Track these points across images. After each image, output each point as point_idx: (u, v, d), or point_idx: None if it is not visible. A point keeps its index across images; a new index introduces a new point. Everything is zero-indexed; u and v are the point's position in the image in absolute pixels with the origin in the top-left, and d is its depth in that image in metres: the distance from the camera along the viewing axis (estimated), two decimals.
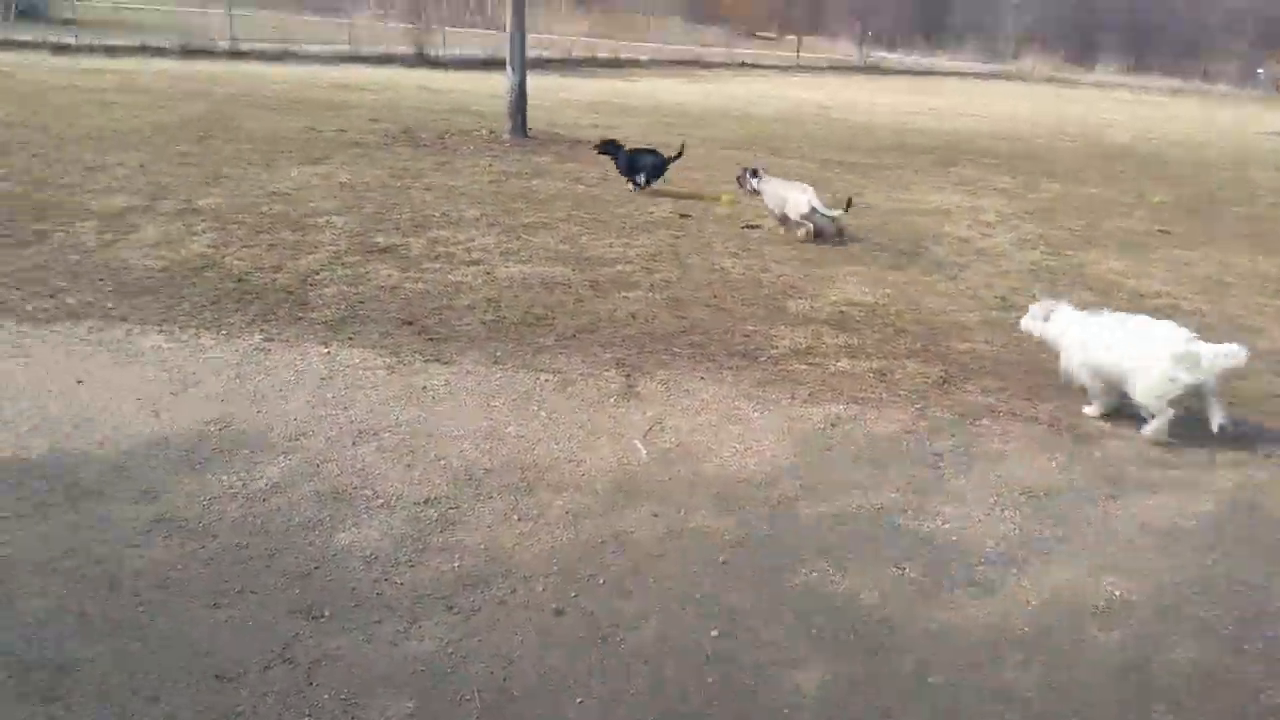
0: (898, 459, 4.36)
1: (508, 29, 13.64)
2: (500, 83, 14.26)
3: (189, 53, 21.72)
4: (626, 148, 10.47)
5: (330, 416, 4.34)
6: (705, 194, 10.35)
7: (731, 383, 5.08)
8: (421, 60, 25.40)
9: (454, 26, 31.41)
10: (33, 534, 3.27)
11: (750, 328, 5.96)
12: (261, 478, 3.74)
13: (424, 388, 4.73)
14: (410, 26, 26.71)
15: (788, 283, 7.06)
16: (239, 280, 6.16)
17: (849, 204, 8.45)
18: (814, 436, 4.53)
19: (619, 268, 7.14)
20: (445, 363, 5.07)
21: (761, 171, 9.13)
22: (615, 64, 31.59)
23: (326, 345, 5.19)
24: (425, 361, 5.06)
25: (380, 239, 7.43)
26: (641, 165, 10.26)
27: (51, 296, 5.54)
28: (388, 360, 5.05)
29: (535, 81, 14.98)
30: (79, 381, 4.48)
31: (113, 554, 3.19)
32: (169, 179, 8.88)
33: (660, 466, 4.10)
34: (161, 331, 5.18)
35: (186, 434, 4.06)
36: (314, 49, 24.20)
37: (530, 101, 13.91)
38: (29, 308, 5.34)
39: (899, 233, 9.12)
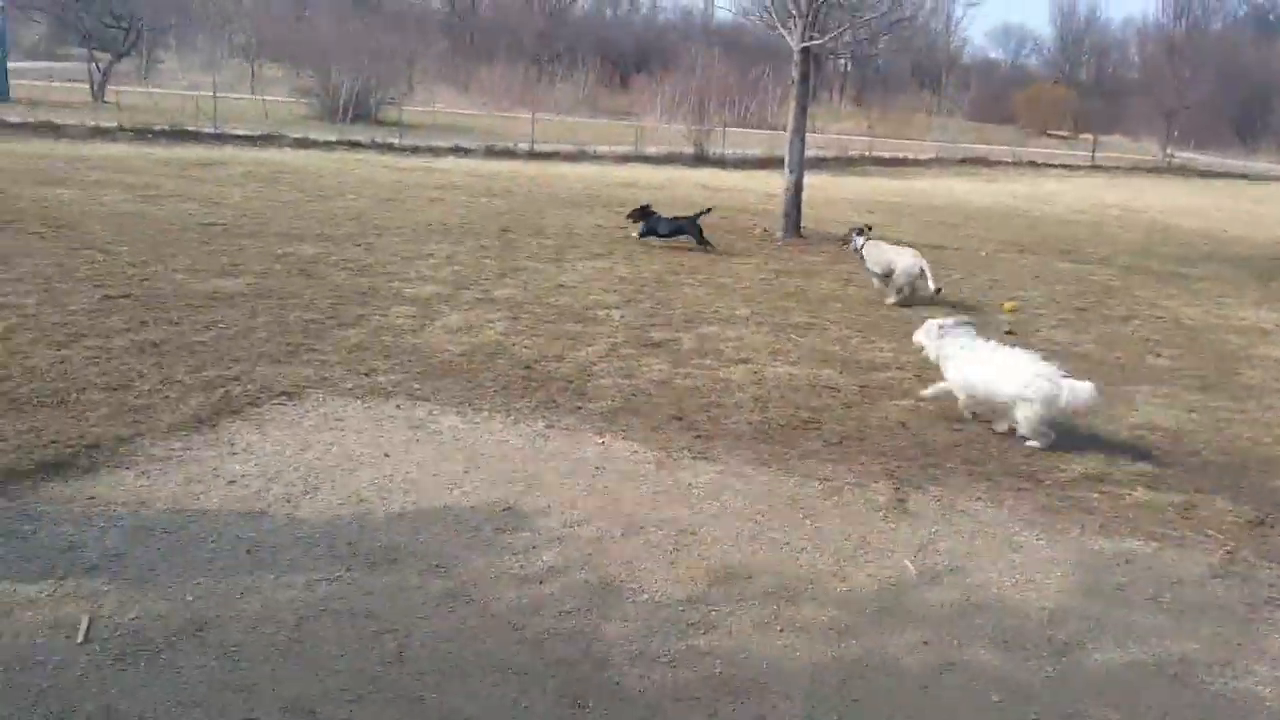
0: (1202, 606, 3.95)
1: (788, 130, 13.96)
2: (776, 181, 14.57)
3: (494, 153, 23.69)
4: (660, 215, 12.02)
5: (602, 507, 4.49)
6: (982, 301, 10.00)
7: (1012, 505, 4.82)
8: (701, 159, 26.39)
9: (734, 127, 32.48)
10: (334, 596, 3.57)
11: (1034, 446, 5.65)
12: (539, 561, 3.92)
13: (690, 485, 4.80)
14: (693, 128, 27.84)
15: None
16: (527, 367, 6.56)
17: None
18: (1105, 573, 4.19)
19: (891, 373, 7.01)
20: (711, 460, 5.14)
21: (867, 232, 10.10)
22: (893, 163, 31.46)
23: (601, 436, 5.40)
24: (693, 458, 5.15)
25: (654, 333, 7.69)
26: (672, 227, 11.81)
27: (367, 375, 6.12)
28: (657, 454, 5.18)
29: (811, 180, 15.18)
30: (385, 455, 4.90)
31: (403, 623, 3.43)
32: (472, 270, 9.66)
33: (931, 590, 3.93)
34: (458, 413, 5.59)
35: (475, 512, 4.33)
36: (604, 149, 25.73)
37: (805, 201, 14.09)
38: (348, 385, 5.92)
39: (1207, 351, 8.40)
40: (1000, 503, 4.84)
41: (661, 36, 71.35)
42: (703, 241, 11.77)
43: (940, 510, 4.71)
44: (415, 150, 22.78)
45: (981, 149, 37.36)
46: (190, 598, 3.47)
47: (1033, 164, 35.48)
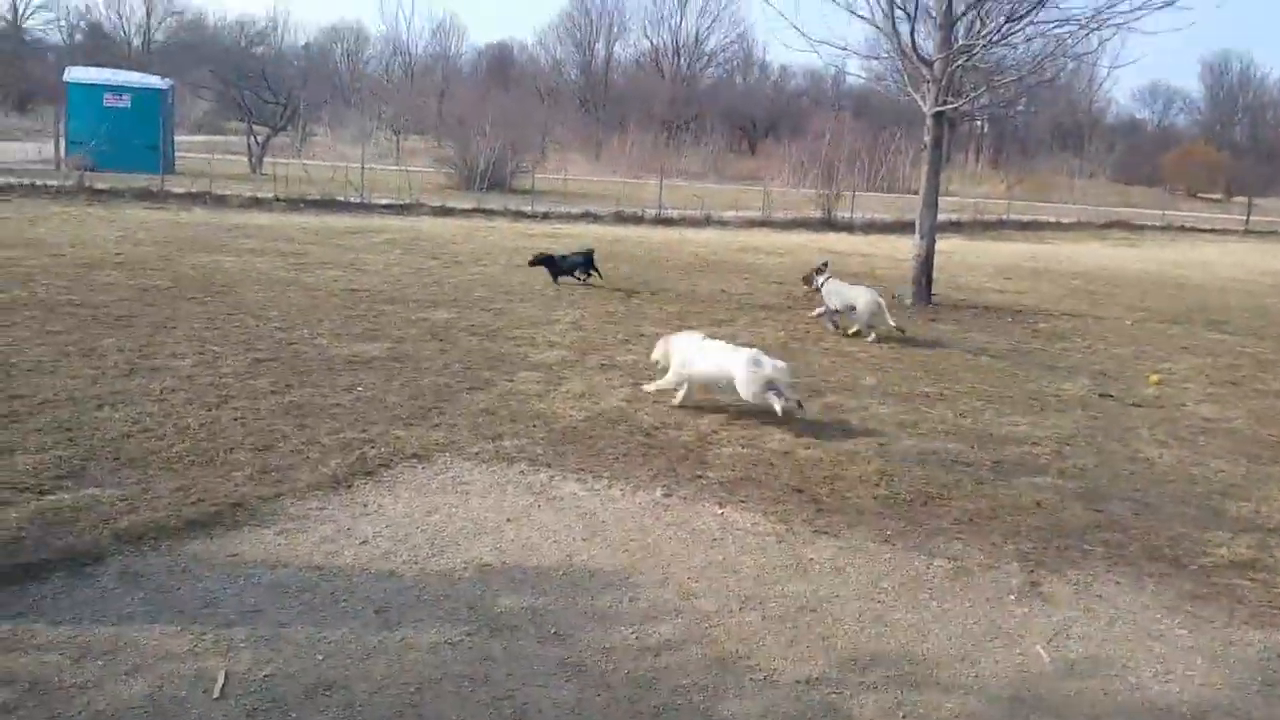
0: None
1: (920, 193, 13.80)
2: (905, 246, 14.39)
3: (622, 219, 24.14)
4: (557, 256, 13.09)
5: (720, 580, 4.46)
6: (1120, 372, 9.60)
7: (1153, 592, 4.58)
8: (828, 224, 26.30)
9: (863, 191, 32.30)
10: (456, 660, 3.64)
11: (1178, 529, 5.36)
12: (655, 634, 3.91)
13: (811, 560, 4.73)
14: (821, 192, 27.81)
15: (1227, 480, 6.30)
16: (647, 435, 6.61)
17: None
18: (1256, 667, 3.93)
19: (1025, 449, 6.78)
20: (834, 535, 5.05)
21: (827, 270, 10.87)
22: (1032, 226, 30.66)
23: (721, 506, 5.38)
24: (814, 532, 5.08)
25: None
26: (571, 264, 12.87)
27: (492, 440, 6.27)
28: (777, 527, 5.12)
29: (943, 245, 14.94)
30: (508, 520, 5.00)
31: (521, 690, 3.46)
32: (596, 336, 9.82)
33: (1066, 679, 3.76)
34: (579, 479, 5.66)
35: (593, 580, 4.37)
36: (730, 215, 25.92)
37: (937, 266, 13.85)
38: (474, 449, 6.07)
39: None
40: (1141, 588, 4.61)
41: (791, 102, 71.89)
42: (590, 274, 13.07)
43: (1076, 595, 4.50)
44: (546, 216, 23.41)
45: (1126, 212, 36.09)
46: (320, 657, 3.60)
47: (1181, 228, 34.05)
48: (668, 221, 24.71)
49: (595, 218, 23.93)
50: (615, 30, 73.60)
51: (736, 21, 71.25)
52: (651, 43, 73.27)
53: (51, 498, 4.82)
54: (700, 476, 5.84)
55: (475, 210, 23.38)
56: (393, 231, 18.40)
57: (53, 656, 3.49)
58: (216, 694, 3.32)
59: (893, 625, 4.13)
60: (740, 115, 66.71)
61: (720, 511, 5.30)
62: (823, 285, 10.63)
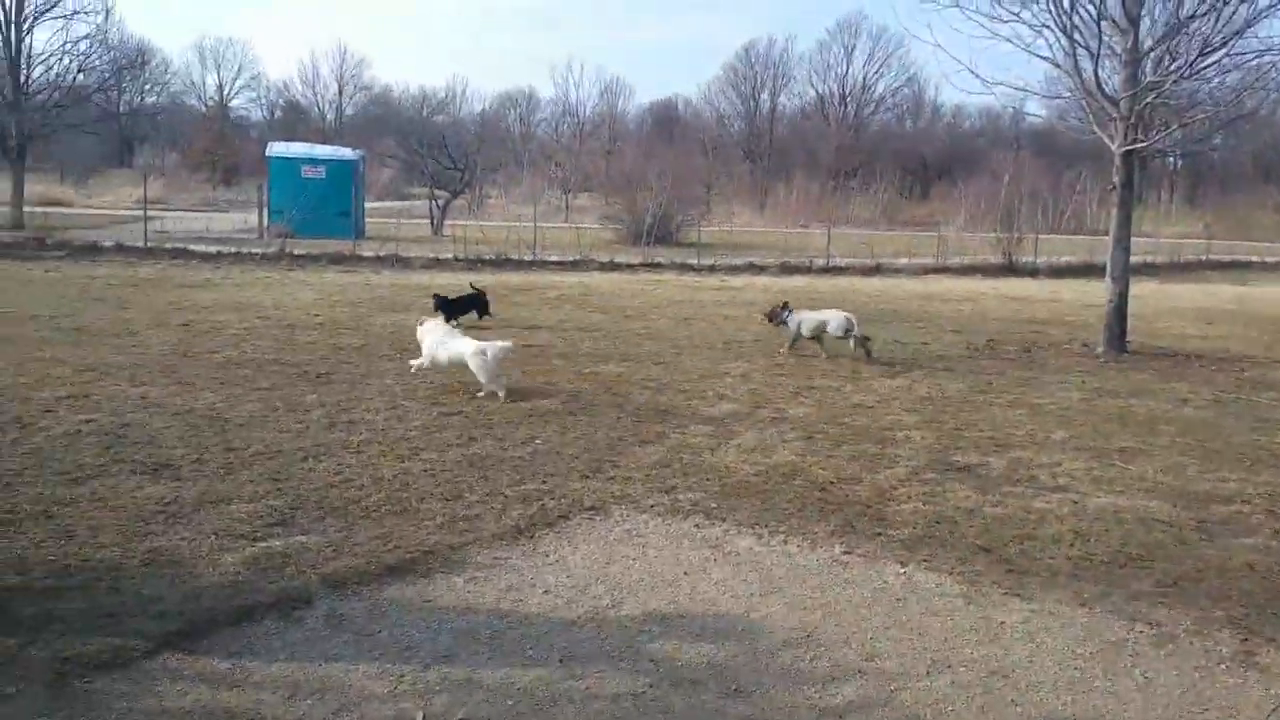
0: None
1: (1110, 234, 13.19)
2: (1093, 291, 13.79)
3: (789, 269, 24.11)
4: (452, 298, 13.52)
5: (904, 640, 4.35)
6: None
7: None
8: (1009, 269, 25.46)
9: (1046, 234, 31.12)
10: (638, 712, 3.68)
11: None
12: (838, 695, 3.85)
13: (1002, 623, 4.55)
14: (1000, 236, 26.96)
15: None
16: (822, 490, 6.53)
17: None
18: None
19: (1234, 507, 6.34)
20: (1025, 598, 4.85)
21: (787, 308, 11.96)
22: (1234, 266, 28.81)
23: (903, 565, 5.26)
24: (1004, 594, 4.89)
25: (959, 457, 7.42)
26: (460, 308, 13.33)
27: (666, 493, 6.34)
28: (964, 589, 4.96)
29: (1136, 289, 14.22)
30: (684, 573, 5.04)
31: None
32: (766, 389, 9.81)
33: None
34: (754, 534, 5.66)
35: (772, 637, 4.34)
36: (901, 262, 25.47)
37: (1131, 312, 13.17)
38: (649, 502, 6.16)
39: None
40: None
41: (966, 143, 70.13)
42: (484, 314, 13.74)
43: None
44: (712, 269, 23.62)
45: None
46: (510, 702, 3.71)
47: None
48: (836, 270, 24.51)
49: (760, 269, 24.00)
50: (780, 80, 74.02)
51: (906, 65, 70.22)
52: (817, 91, 73.34)
53: (264, 544, 5.17)
54: (880, 534, 5.72)
55: (642, 265, 23.84)
56: (563, 288, 18.98)
57: (267, 694, 3.72)
58: None
59: (1091, 693, 3.92)
60: (911, 159, 65.61)
61: (903, 570, 5.18)
62: (788, 318, 11.83)
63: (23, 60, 31.32)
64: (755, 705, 3.76)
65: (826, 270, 24.48)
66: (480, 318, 13.71)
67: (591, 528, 5.68)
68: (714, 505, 6.13)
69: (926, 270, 25.10)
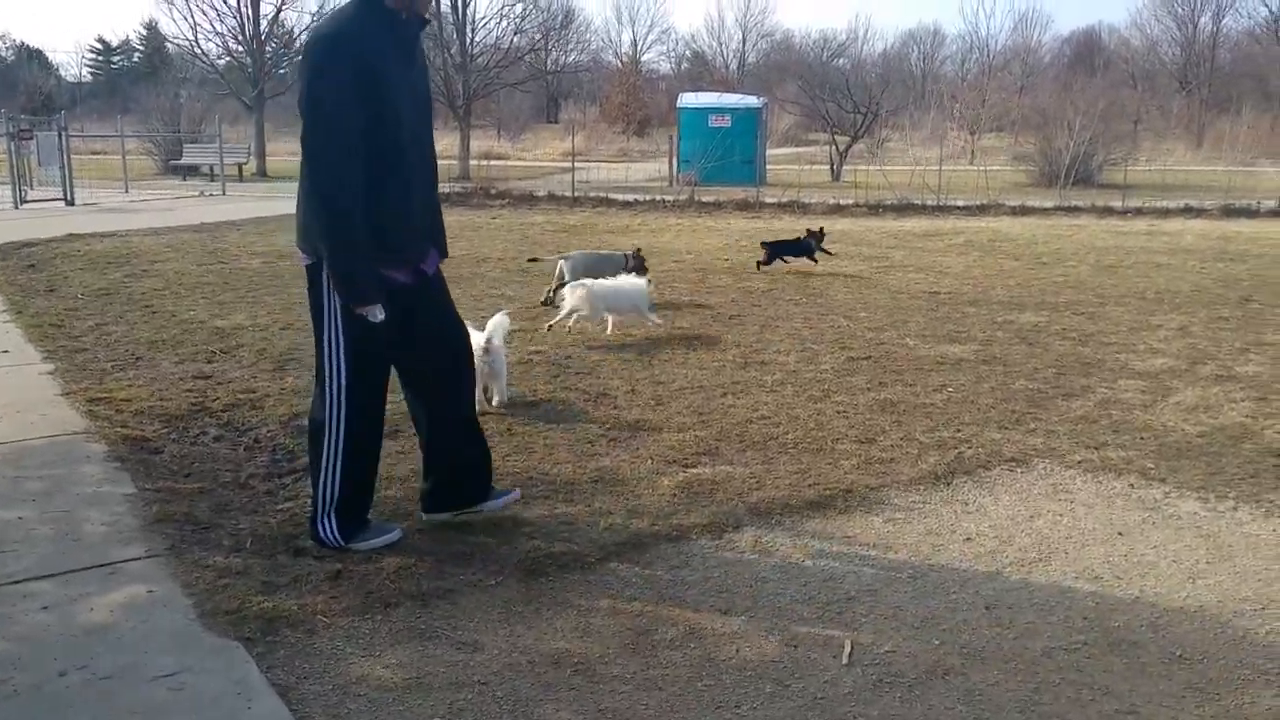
0: None
1: None
2: None
3: (1232, 213, 21.42)
4: None
5: None
6: None
7: None
8: None
9: None
10: (1071, 666, 3.62)
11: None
12: None
13: None
14: None
15: None
16: (1278, 456, 5.90)
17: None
18: None
19: None
20: None
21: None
22: None
23: None
24: None
25: None
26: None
27: (1094, 449, 6.04)
28: None
29: None
30: (1119, 534, 4.81)
31: (1145, 708, 3.36)
32: (1208, 343, 8.92)
33: None
34: (1199, 498, 5.25)
35: (1221, 606, 4.06)
36: None
37: None
38: (1075, 457, 5.91)
39: None
40: None
41: None
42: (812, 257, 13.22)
43: None
44: (1139, 213, 21.57)
45: None
46: (936, 641, 3.81)
47: None
48: None
49: (1198, 212, 21.57)
50: (1225, 0, 65.10)
51: None
52: (1270, 9, 63.68)
53: (694, 470, 5.63)
54: None
55: (1057, 209, 22.33)
56: (970, 233, 18.29)
57: (705, 606, 4.10)
58: (845, 661, 3.68)
59: None
60: None
61: None
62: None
63: (467, 24, 35.24)
64: (1201, 673, 3.56)
65: (1278, 213, 21.47)
66: (813, 261, 13.31)
67: (1013, 479, 5.57)
68: (1150, 465, 5.76)
69: None
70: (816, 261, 13.28)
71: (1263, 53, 60.92)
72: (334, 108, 3.97)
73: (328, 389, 4.32)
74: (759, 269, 13.05)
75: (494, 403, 6.87)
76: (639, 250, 11.34)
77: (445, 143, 38.61)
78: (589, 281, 9.10)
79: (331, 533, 4.45)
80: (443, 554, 4.50)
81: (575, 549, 4.59)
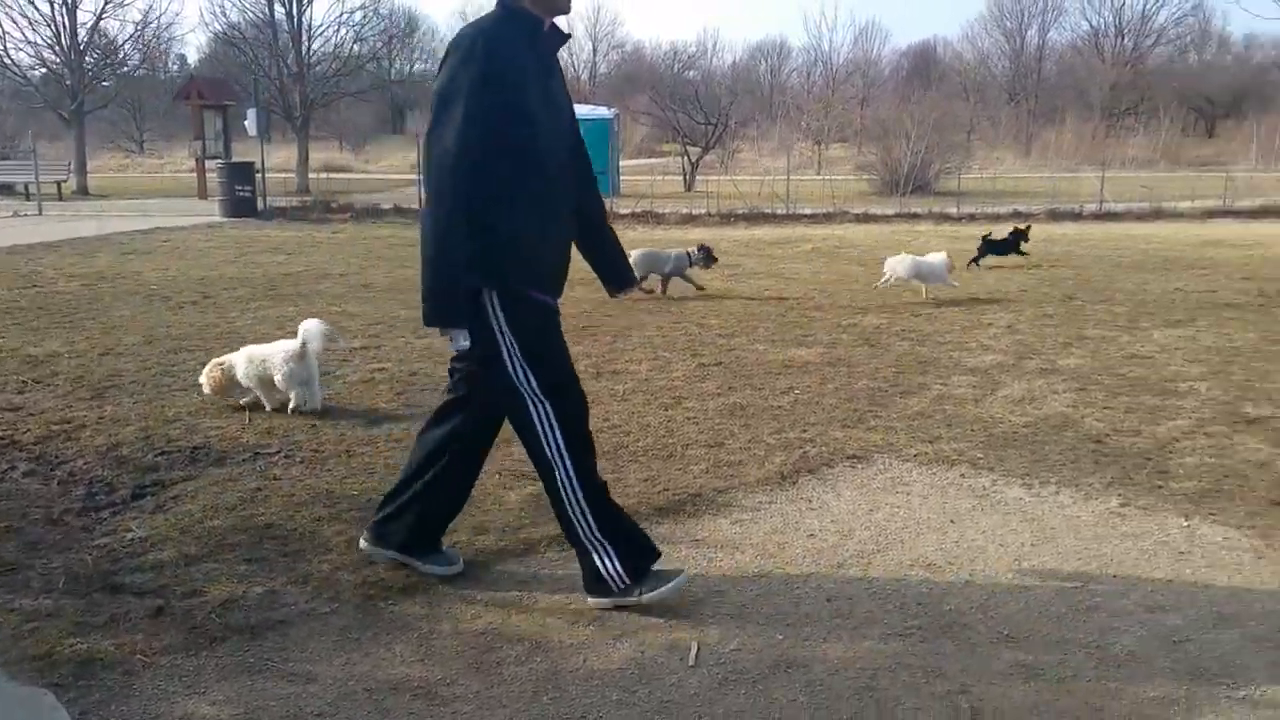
0: None
1: None
2: None
3: (1057, 216, 22.75)
4: None
5: (1187, 594, 4.17)
6: None
7: None
8: None
9: None
10: (906, 652, 3.75)
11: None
12: (1116, 644, 3.76)
13: None
14: None
15: None
16: (1097, 441, 6.27)
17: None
18: None
19: None
20: None
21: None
22: None
23: (1186, 518, 5.00)
24: None
25: (1250, 409, 6.90)
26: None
27: (930, 442, 6.29)
28: (1254, 543, 4.66)
29: None
30: (951, 521, 5.02)
31: (975, 687, 3.50)
32: (1034, 339, 9.42)
33: None
34: (1024, 484, 5.53)
35: (1045, 587, 4.28)
36: (1184, 205, 23.45)
37: None
38: (912, 451, 6.14)
39: None
40: None
41: (1258, 75, 63.12)
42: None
43: None
44: (972, 218, 22.66)
45: None
46: (780, 636, 3.88)
47: None
48: (1110, 216, 22.92)
49: (1025, 216, 22.76)
50: (1050, 14, 69.31)
51: None
52: (1090, 24, 68.16)
53: (541, 484, 5.58)
54: (1160, 486, 5.45)
55: (898, 215, 23.27)
56: (817, 240, 18.86)
57: (552, 619, 4.06)
58: (692, 662, 3.71)
59: None
60: (1195, 96, 59.81)
61: (1186, 524, 4.92)
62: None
63: (303, 32, 34.31)
64: (1028, 651, 3.74)
65: (1100, 216, 22.93)
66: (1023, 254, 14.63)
67: (854, 475, 5.74)
68: (979, 455, 6.03)
69: (1211, 213, 22.97)
70: (1026, 254, 14.76)
71: (1084, 64, 65.00)
72: (463, 108, 3.63)
73: (538, 423, 3.96)
74: (968, 268, 14.03)
75: (305, 408, 6.77)
76: (704, 245, 12.57)
77: (283, 155, 37.63)
78: (906, 257, 12.01)
79: (619, 578, 4.06)
80: (274, 584, 4.33)
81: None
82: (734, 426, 6.66)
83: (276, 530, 4.92)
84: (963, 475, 5.70)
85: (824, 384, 7.78)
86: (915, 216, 23.00)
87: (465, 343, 3.88)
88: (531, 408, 3.97)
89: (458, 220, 3.69)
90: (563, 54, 4.55)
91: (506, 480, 5.63)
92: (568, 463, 4.02)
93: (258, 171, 23.86)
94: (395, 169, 43.23)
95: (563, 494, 4.06)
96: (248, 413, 6.93)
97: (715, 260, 12.42)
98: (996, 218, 22.68)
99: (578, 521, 4.06)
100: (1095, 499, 5.29)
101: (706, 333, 9.84)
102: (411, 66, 72.80)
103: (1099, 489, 5.42)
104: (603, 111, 33.82)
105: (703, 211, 23.33)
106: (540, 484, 5.35)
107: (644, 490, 5.47)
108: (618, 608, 4.08)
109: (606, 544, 4.06)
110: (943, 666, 3.63)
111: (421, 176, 3.85)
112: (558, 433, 3.99)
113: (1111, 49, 65.51)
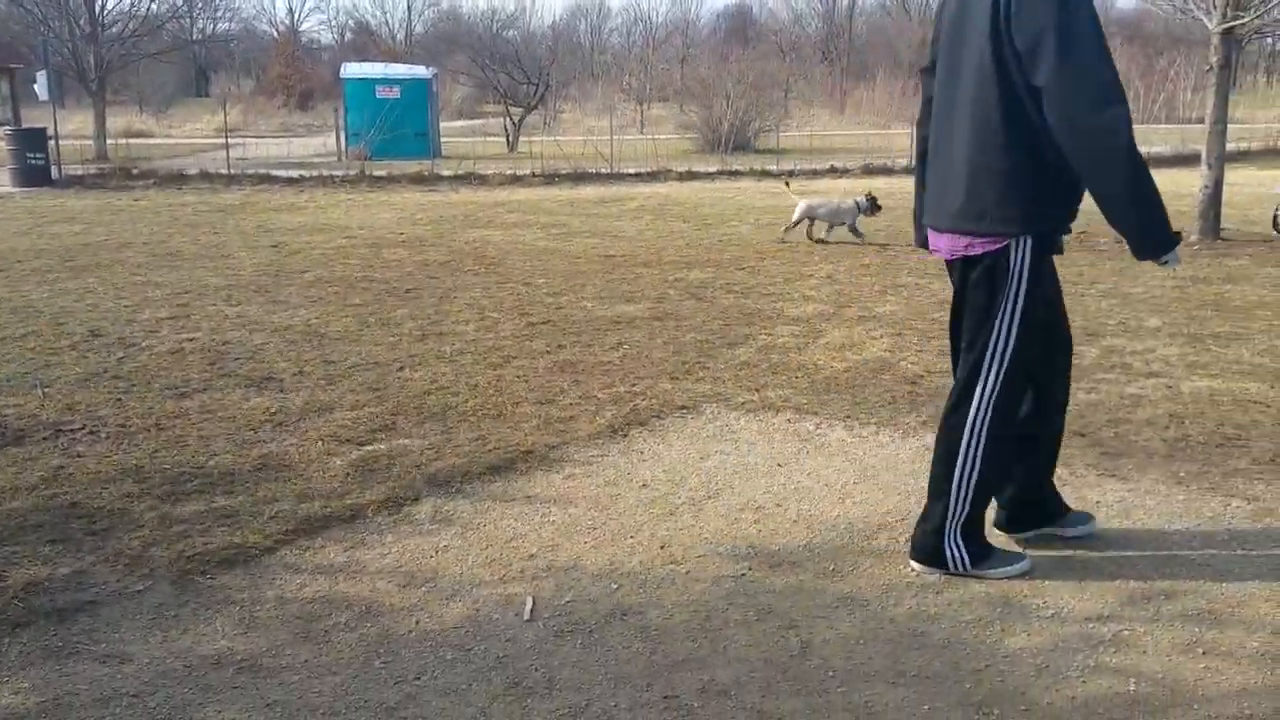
0: None
1: (1206, 121, 12.66)
2: (1186, 180, 13.29)
3: (871, 171, 23.63)
4: None
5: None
6: None
7: None
8: None
9: (1139, 124, 29.83)
10: (739, 592, 3.82)
11: None
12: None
13: (1097, 502, 4.57)
14: None
15: None
16: (912, 383, 6.55)
17: None
18: None
19: None
20: (1121, 478, 4.85)
21: None
22: None
23: None
24: (1099, 475, 4.89)
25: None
26: None
27: (756, 391, 6.43)
28: (1060, 471, 4.94)
29: (1231, 175, 13.69)
30: (778, 465, 5.14)
31: (804, 621, 3.60)
32: (852, 289, 9.76)
33: None
34: (846, 426, 5.72)
35: (867, 521, 4.44)
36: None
37: (1224, 200, 12.70)
38: (740, 400, 6.25)
39: None
40: None
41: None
42: None
43: None
44: (792, 174, 23.26)
45: None
46: (615, 586, 3.88)
47: None
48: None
49: (842, 172, 23.58)
50: None
51: None
52: None
53: (369, 448, 5.41)
54: None
55: (721, 172, 23.62)
56: (642, 198, 18.94)
57: (382, 583, 3.94)
58: (527, 616, 3.66)
59: (1189, 565, 3.94)
60: None
61: None
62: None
63: None
64: (853, 584, 3.87)
65: (910, 171, 23.93)
66: None
67: (684, 425, 5.80)
68: (804, 401, 6.20)
69: None
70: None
71: (893, 24, 67.58)
72: (1100, 38, 3.52)
73: (980, 390, 3.77)
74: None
75: None
76: (870, 194, 12.73)
77: (79, 120, 34.93)
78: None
79: (960, 555, 3.86)
80: (81, 564, 4.03)
81: (236, 542, 4.26)
82: (564, 383, 6.62)
83: (82, 509, 4.58)
84: (788, 421, 5.84)
85: (652, 338, 7.82)
86: (737, 174, 23.43)
87: (1178, 261, 4.00)
88: (984, 383, 3.78)
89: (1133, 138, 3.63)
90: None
91: (331, 446, 5.42)
92: (982, 442, 3.81)
93: (51, 138, 22.08)
94: (200, 133, 40.76)
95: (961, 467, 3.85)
96: (42, 390, 6.42)
97: (880, 209, 12.71)
98: (815, 173, 23.38)
99: (962, 466, 3.85)
100: (912, 437, 5.53)
101: (534, 291, 9.74)
102: (215, 26, 68.63)
103: (915, 427, 5.66)
104: (421, 71, 32.85)
105: (527, 172, 23.06)
106: (366, 448, 5.18)
107: (474, 450, 5.36)
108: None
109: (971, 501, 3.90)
110: (773, 604, 3.72)
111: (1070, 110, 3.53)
112: (989, 412, 3.80)
113: (918, 8, 68.38)
